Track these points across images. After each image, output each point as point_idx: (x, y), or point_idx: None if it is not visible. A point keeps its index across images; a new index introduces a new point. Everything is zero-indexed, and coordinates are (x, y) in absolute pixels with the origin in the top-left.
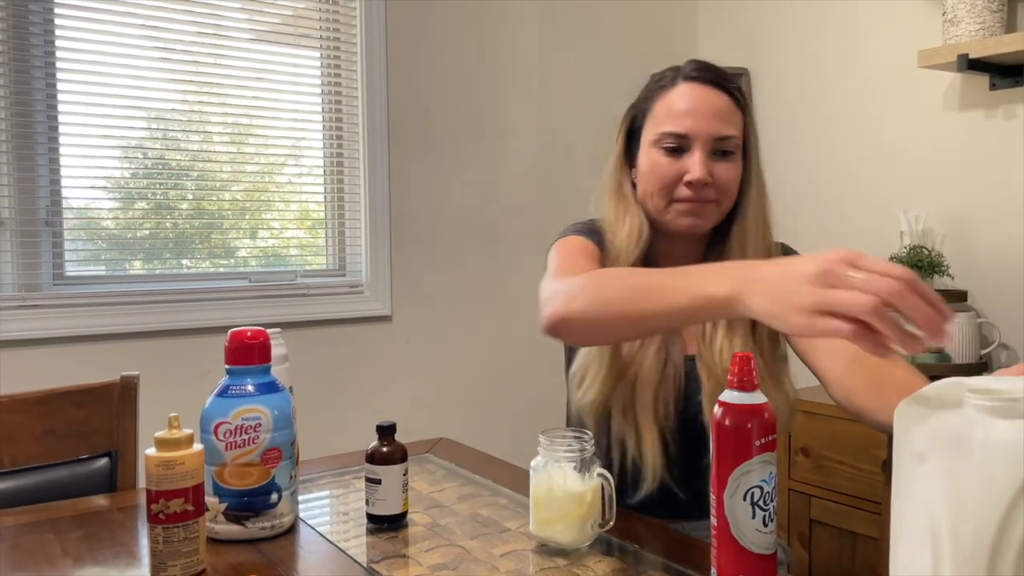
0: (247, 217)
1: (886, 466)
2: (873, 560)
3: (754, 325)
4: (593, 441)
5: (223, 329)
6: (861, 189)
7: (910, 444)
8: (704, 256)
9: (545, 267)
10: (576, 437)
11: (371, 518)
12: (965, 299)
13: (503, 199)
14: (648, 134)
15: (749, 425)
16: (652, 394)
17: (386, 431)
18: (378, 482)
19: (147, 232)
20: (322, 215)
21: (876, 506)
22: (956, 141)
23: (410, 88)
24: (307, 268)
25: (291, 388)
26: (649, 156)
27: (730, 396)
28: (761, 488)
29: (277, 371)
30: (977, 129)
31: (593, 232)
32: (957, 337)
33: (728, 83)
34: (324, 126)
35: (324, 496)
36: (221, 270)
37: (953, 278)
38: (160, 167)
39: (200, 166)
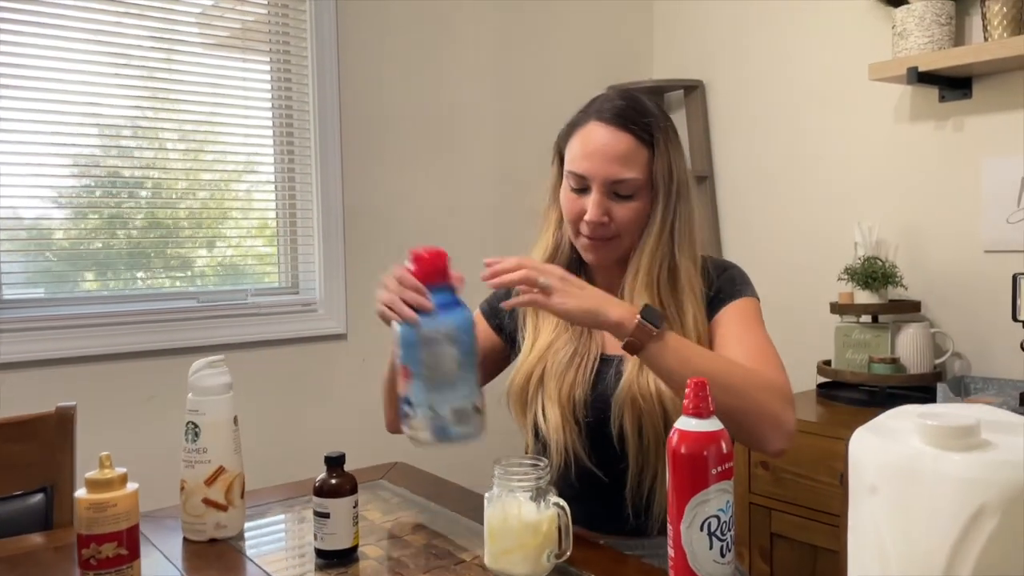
0: (198, 234)
1: (844, 479)
2: (833, 573)
3: None
4: (548, 469)
5: (170, 352)
6: (815, 201)
7: (862, 475)
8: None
9: None
10: (531, 466)
11: (320, 553)
12: (919, 309)
13: (462, 211)
14: (565, 165)
15: (705, 453)
16: (557, 382)
17: (335, 462)
18: (326, 516)
19: (90, 248)
20: (274, 231)
21: (836, 519)
22: (907, 152)
23: (363, 98)
24: (258, 286)
25: (236, 418)
26: (564, 188)
27: (685, 423)
28: (718, 518)
29: (220, 400)
30: (927, 140)
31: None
32: (912, 347)
33: (633, 123)
34: (275, 140)
35: (272, 529)
36: (168, 290)
37: (907, 288)
38: (107, 182)
39: (149, 182)
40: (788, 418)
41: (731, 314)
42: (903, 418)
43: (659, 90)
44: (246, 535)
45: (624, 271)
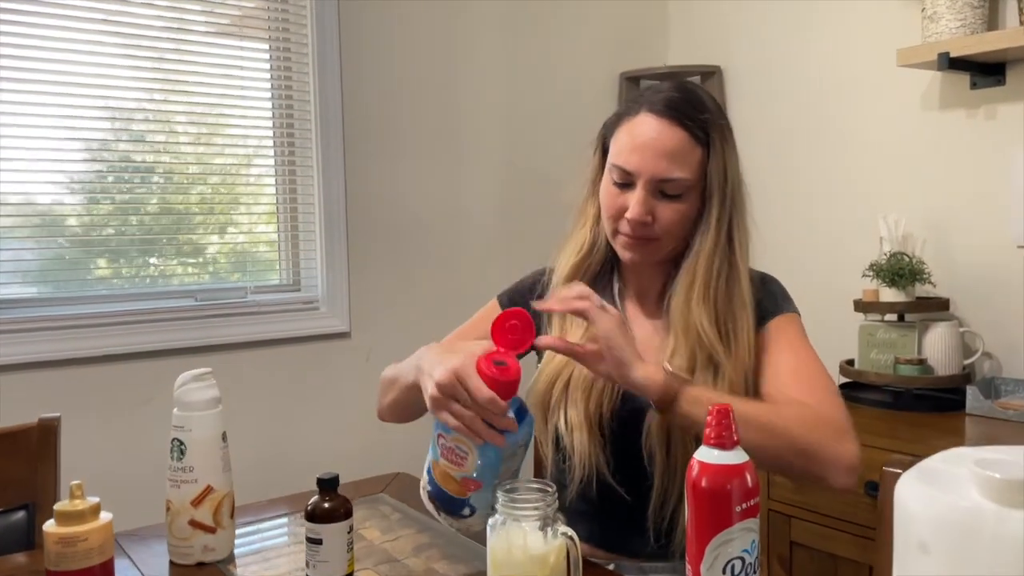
0: (198, 230)
1: (870, 488)
2: None
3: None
4: (556, 495)
5: (167, 353)
6: (838, 193)
7: (912, 529)
8: (667, 281)
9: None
10: (539, 491)
11: None
12: (947, 307)
13: (469, 207)
14: (609, 158)
15: (729, 487)
16: (584, 391)
17: (328, 485)
18: (319, 542)
19: (97, 236)
20: (274, 226)
21: (859, 528)
22: (936, 142)
23: (367, 88)
24: (258, 284)
25: (224, 434)
26: (605, 181)
27: (707, 454)
28: (743, 559)
29: (207, 416)
30: (957, 130)
31: (523, 282)
32: (940, 347)
33: (688, 118)
34: (274, 131)
35: (265, 550)
36: (164, 289)
37: (935, 285)
38: (100, 176)
39: (148, 173)
40: (847, 452)
41: (776, 333)
42: (957, 463)
43: (674, 77)
44: (236, 558)
45: (659, 273)
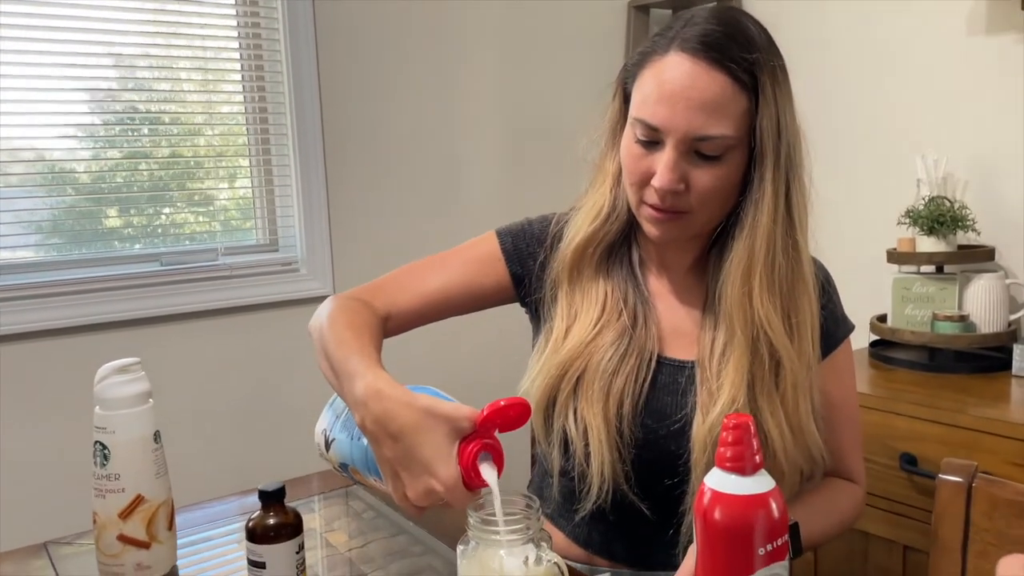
0: (162, 197)
1: (905, 461)
2: (886, 564)
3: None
4: (540, 512)
5: (129, 324)
6: (870, 130)
7: None
8: (704, 257)
9: None
10: (522, 508)
11: None
12: (992, 257)
13: (464, 154)
14: (631, 108)
15: (750, 524)
16: (603, 386)
17: (271, 497)
18: (262, 566)
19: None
20: (247, 181)
21: (891, 504)
22: (981, 71)
23: (344, 23)
24: (230, 245)
25: (157, 433)
26: (627, 138)
27: (721, 480)
28: None
29: (134, 414)
30: (1006, 57)
31: (531, 226)
32: (983, 302)
33: (731, 60)
34: (243, 75)
35: (215, 564)
36: (126, 253)
37: (979, 233)
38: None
39: (100, 130)
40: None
41: (844, 368)
42: None
43: (686, 2)
44: (180, 570)
45: (690, 245)
